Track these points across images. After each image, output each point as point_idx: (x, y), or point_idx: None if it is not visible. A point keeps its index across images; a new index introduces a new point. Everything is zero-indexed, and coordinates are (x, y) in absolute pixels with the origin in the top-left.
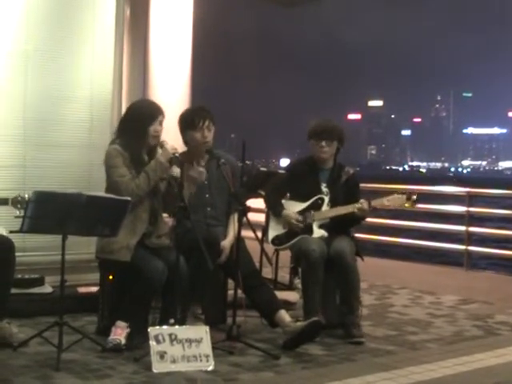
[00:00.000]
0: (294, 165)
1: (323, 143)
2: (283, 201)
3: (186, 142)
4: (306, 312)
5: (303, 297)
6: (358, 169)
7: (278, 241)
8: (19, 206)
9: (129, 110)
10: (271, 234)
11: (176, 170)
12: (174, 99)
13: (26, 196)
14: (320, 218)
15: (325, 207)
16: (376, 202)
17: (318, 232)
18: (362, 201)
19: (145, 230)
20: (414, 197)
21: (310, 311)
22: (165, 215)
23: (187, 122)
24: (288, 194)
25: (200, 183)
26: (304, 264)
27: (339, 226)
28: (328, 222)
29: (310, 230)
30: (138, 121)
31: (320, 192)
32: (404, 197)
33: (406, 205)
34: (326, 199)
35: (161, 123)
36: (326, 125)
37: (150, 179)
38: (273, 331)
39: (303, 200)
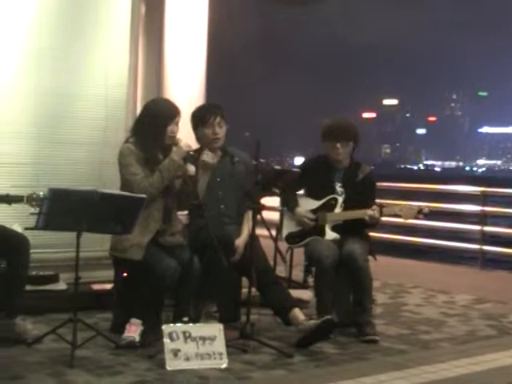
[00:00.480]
0: (309, 162)
1: (338, 145)
2: (299, 197)
3: (198, 139)
4: (319, 312)
5: (316, 298)
6: (372, 167)
7: (291, 239)
8: (34, 203)
9: (145, 109)
10: (285, 231)
11: (191, 168)
12: (188, 97)
13: (41, 194)
14: (332, 220)
15: (338, 208)
16: (388, 211)
17: (331, 234)
18: (374, 207)
19: (158, 228)
20: (426, 210)
21: (322, 311)
22: (180, 213)
23: (199, 119)
24: (303, 191)
25: (212, 168)
26: (317, 270)
27: (353, 227)
28: (341, 223)
29: (322, 231)
30: (155, 121)
31: (334, 191)
32: (416, 209)
33: (416, 218)
34: (340, 200)
35: (177, 123)
36: (340, 125)
37: (164, 177)
38: (286, 329)
39: (317, 198)
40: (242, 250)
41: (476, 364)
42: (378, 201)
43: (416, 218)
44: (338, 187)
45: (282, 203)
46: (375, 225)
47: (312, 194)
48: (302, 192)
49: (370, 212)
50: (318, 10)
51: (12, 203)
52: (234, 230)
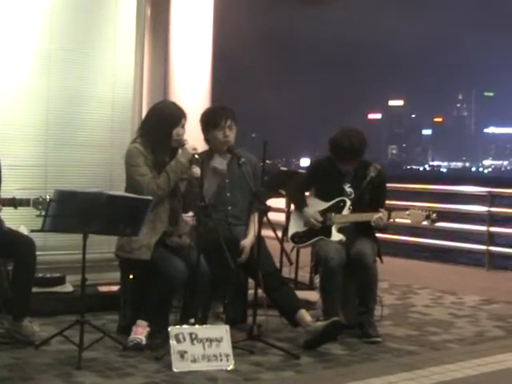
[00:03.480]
0: (318, 163)
1: (349, 164)
2: (308, 198)
3: (207, 141)
4: (326, 313)
5: (322, 300)
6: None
7: (297, 238)
8: (40, 206)
9: (152, 112)
10: (291, 230)
11: (196, 171)
12: (194, 99)
13: (47, 197)
14: (339, 222)
15: (346, 210)
16: (396, 215)
17: (337, 236)
18: (382, 210)
19: (165, 229)
20: (434, 215)
21: (329, 313)
22: (187, 214)
23: (209, 121)
24: (312, 192)
25: (221, 174)
26: (323, 272)
27: (362, 228)
28: (349, 224)
29: (328, 232)
30: (161, 124)
31: (342, 193)
32: (424, 214)
33: (425, 222)
34: (348, 202)
35: (183, 126)
36: (351, 145)
37: (171, 179)
38: (293, 330)
39: (326, 199)
40: (248, 251)
41: (484, 365)
42: (387, 202)
43: (428, 223)
44: (347, 187)
45: (291, 203)
46: (384, 228)
47: (321, 195)
48: (308, 193)
49: (376, 216)
50: (334, 10)
51: (18, 207)
52: (241, 231)
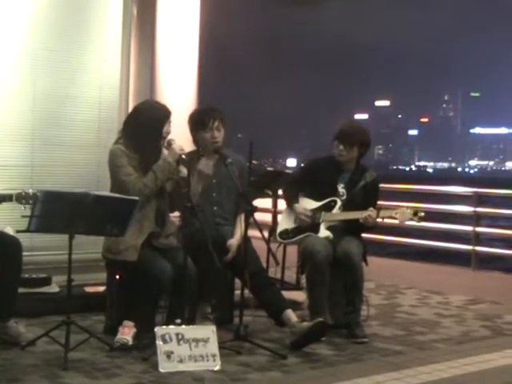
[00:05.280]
0: (315, 162)
1: (341, 147)
2: (300, 197)
3: (195, 142)
4: (312, 312)
5: (309, 298)
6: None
7: (285, 235)
8: (24, 201)
9: (137, 113)
10: (281, 227)
11: (183, 170)
12: (181, 99)
13: (31, 191)
14: (328, 220)
15: (336, 210)
16: (385, 214)
17: (324, 232)
18: (370, 209)
19: (152, 229)
20: (422, 214)
21: (316, 311)
22: (173, 215)
23: (197, 122)
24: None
25: (207, 176)
26: (309, 265)
27: (349, 228)
28: (338, 224)
29: (317, 229)
30: (150, 123)
31: (335, 193)
32: (411, 212)
33: (413, 220)
34: (339, 202)
35: (169, 124)
36: (348, 129)
37: (158, 178)
38: (280, 331)
39: (318, 199)
40: (234, 250)
41: (471, 365)
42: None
43: (411, 220)
44: (341, 188)
45: (284, 199)
46: (373, 227)
47: (315, 193)
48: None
49: (365, 213)
50: (320, 11)
51: (2, 202)
52: (228, 231)
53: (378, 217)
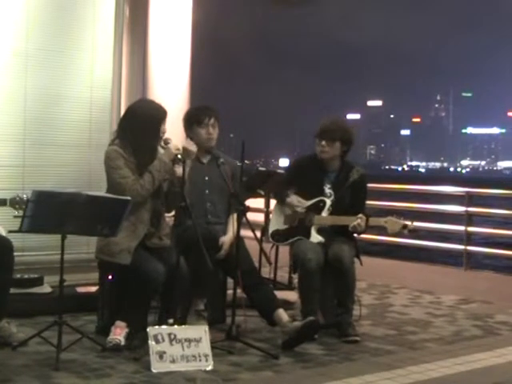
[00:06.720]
0: (299, 161)
1: (323, 143)
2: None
3: (191, 139)
4: (304, 313)
5: (300, 300)
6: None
7: (277, 236)
8: (17, 206)
9: (133, 111)
10: (272, 227)
11: (179, 170)
12: (173, 99)
13: (25, 196)
14: (319, 223)
15: (325, 211)
16: (374, 221)
17: (316, 237)
18: (360, 216)
19: (146, 231)
20: (412, 226)
21: (307, 313)
22: (166, 214)
23: (192, 119)
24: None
25: (192, 153)
26: (301, 272)
27: (340, 229)
28: (328, 226)
29: (308, 232)
30: (148, 123)
31: (322, 193)
32: (401, 224)
33: (401, 232)
34: (328, 202)
35: (165, 123)
36: (328, 125)
37: (155, 179)
38: (272, 331)
39: (306, 198)
40: (227, 248)
41: (462, 364)
42: (366, 202)
43: (400, 232)
44: (327, 189)
45: (274, 196)
46: (360, 233)
47: (300, 193)
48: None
49: (355, 222)
50: (313, 11)
51: None
52: (220, 230)
53: (366, 225)
